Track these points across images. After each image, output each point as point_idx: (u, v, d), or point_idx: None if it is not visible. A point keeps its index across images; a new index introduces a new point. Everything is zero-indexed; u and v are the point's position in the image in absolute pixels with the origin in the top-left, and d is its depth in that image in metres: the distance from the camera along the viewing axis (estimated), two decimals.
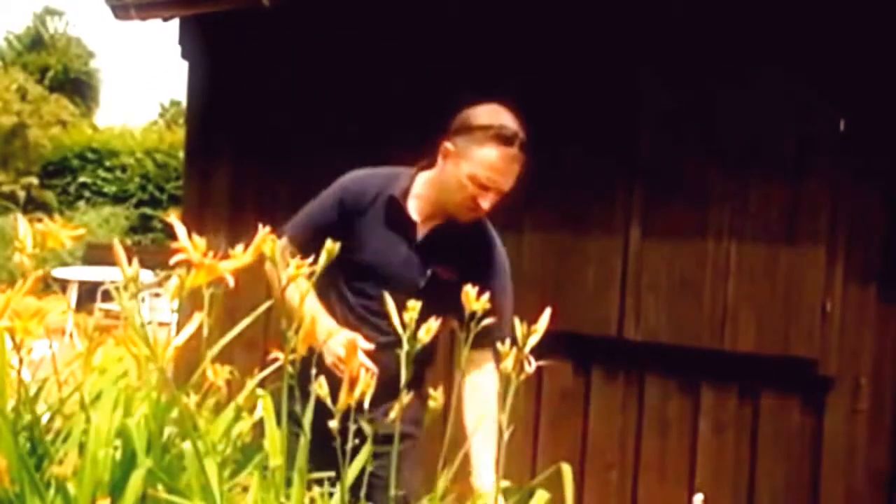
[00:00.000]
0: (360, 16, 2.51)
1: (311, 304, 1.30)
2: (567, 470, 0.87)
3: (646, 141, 2.18)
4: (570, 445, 2.24)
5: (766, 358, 2.04)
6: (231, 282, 0.71)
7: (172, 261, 0.69)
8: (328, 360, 1.20)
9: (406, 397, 0.84)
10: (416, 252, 1.37)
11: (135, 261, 0.67)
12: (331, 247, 0.80)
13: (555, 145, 2.29)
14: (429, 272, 1.35)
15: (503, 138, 1.28)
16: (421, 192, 1.40)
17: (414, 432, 1.32)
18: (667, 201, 2.15)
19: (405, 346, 0.84)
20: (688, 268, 2.12)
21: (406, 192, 1.39)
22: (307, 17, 2.60)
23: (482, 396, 1.29)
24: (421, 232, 1.39)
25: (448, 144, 1.33)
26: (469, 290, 0.88)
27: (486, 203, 1.31)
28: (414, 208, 1.39)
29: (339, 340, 1.24)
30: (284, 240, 1.36)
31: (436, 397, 0.89)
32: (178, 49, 2.94)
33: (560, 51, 2.25)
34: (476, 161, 1.29)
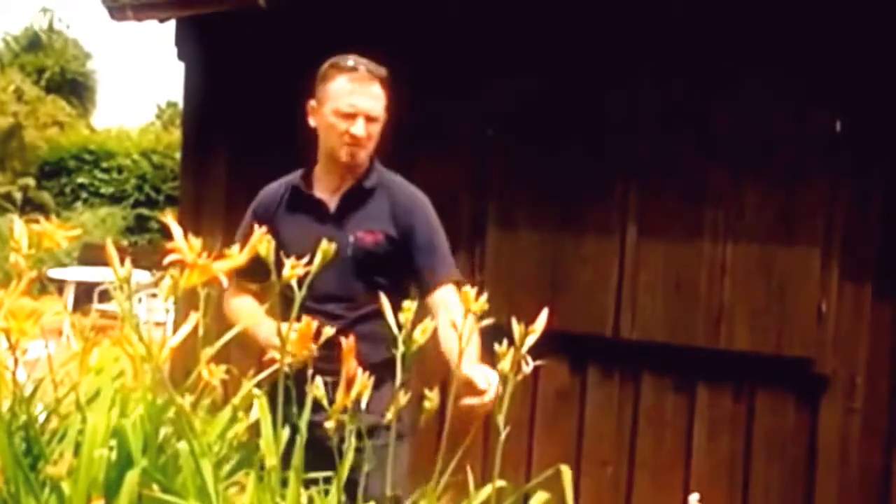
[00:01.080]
0: (357, 16, 2.51)
1: (251, 316, 1.33)
2: (566, 472, 0.87)
3: (643, 141, 2.19)
4: (566, 443, 2.25)
5: (761, 357, 2.04)
6: (225, 282, 0.71)
7: (166, 261, 0.69)
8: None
9: (384, 387, 0.82)
10: (334, 225, 1.40)
11: (127, 261, 0.67)
12: (326, 248, 0.78)
13: (552, 145, 2.29)
14: (351, 239, 1.37)
15: (344, 67, 1.38)
16: (318, 169, 1.46)
17: (396, 427, 1.27)
18: (663, 201, 2.15)
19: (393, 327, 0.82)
20: (684, 267, 2.12)
21: (308, 178, 1.46)
22: (303, 18, 2.60)
23: (452, 311, 1.23)
24: (331, 205, 1.43)
25: (311, 102, 1.43)
26: (468, 292, 0.84)
27: (358, 129, 1.35)
28: (319, 188, 1.45)
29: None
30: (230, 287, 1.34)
31: (431, 398, 0.88)
32: (175, 50, 2.94)
33: (558, 51, 2.26)
34: (331, 96, 1.38)
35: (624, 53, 2.20)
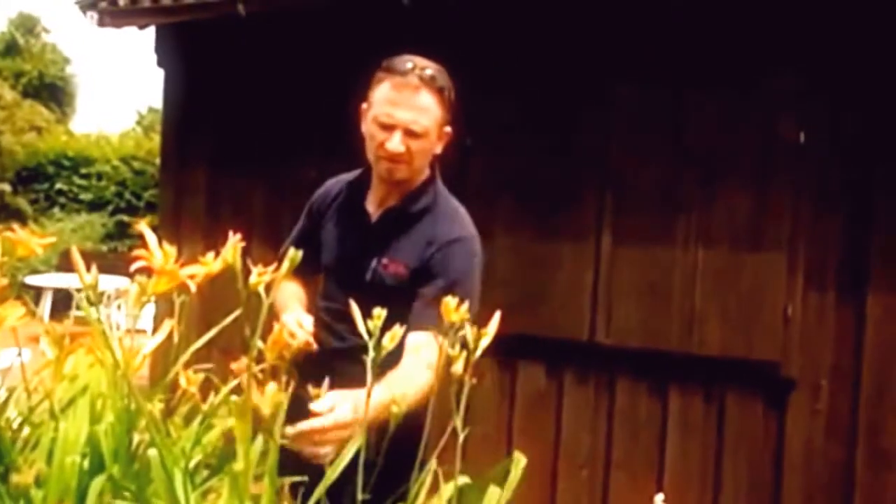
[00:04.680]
0: (335, 25, 2.53)
1: (284, 298, 1.26)
2: (520, 458, 0.83)
3: (617, 152, 2.24)
4: (544, 446, 2.28)
5: (730, 360, 2.10)
6: (193, 287, 0.72)
7: (132, 267, 0.70)
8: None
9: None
10: (369, 241, 1.26)
11: (94, 268, 0.67)
12: (293, 254, 0.79)
13: (528, 154, 2.33)
14: (374, 263, 1.23)
15: (394, 70, 1.18)
16: (373, 176, 1.30)
17: (374, 460, 1.01)
18: (636, 210, 2.20)
19: (370, 350, 0.77)
20: (657, 274, 2.17)
21: (362, 182, 1.31)
22: (283, 26, 2.62)
23: (396, 371, 1.09)
24: (373, 216, 1.28)
25: (363, 105, 1.25)
26: (449, 301, 0.79)
27: (392, 144, 1.17)
28: (370, 195, 1.30)
29: (286, 318, 1.15)
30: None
31: (398, 402, 0.88)
32: (155, 57, 2.94)
33: (534, 61, 2.31)
34: (374, 101, 1.20)
35: (599, 64, 2.25)
